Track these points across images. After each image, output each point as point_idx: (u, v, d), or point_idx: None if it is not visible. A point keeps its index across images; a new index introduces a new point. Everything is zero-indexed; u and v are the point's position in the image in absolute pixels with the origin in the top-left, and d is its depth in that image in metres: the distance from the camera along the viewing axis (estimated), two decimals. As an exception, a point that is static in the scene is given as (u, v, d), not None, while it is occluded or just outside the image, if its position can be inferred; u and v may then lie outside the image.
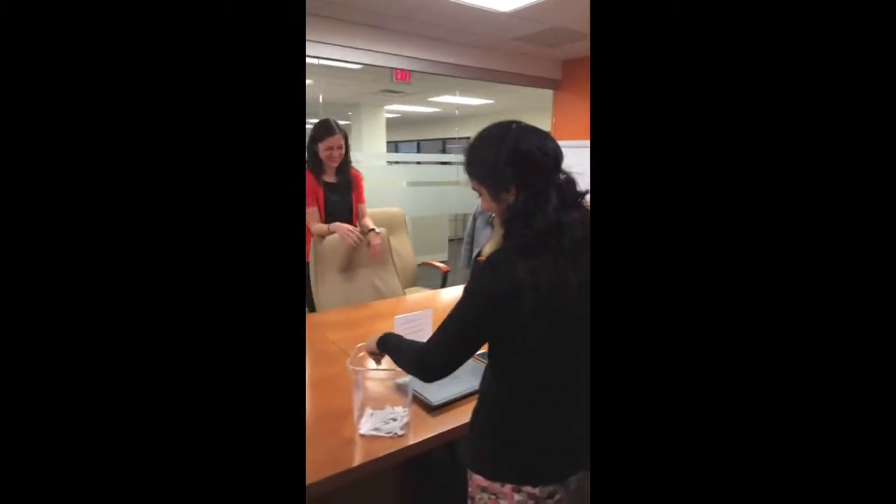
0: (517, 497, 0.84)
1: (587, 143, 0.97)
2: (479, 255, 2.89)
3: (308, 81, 4.79)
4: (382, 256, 2.26)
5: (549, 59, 4.30)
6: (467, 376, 1.29)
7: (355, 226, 2.19)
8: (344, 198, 2.23)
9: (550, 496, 0.84)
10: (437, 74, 3.82)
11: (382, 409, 1.16)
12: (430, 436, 1.09)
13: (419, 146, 10.34)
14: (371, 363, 1.13)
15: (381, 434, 1.07)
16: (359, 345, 1.14)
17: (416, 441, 1.07)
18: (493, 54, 3.94)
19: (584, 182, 0.80)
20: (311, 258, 2.06)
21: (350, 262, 2.18)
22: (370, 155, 6.12)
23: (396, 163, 5.03)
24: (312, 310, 2.08)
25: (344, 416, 1.15)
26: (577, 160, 0.88)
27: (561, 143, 0.86)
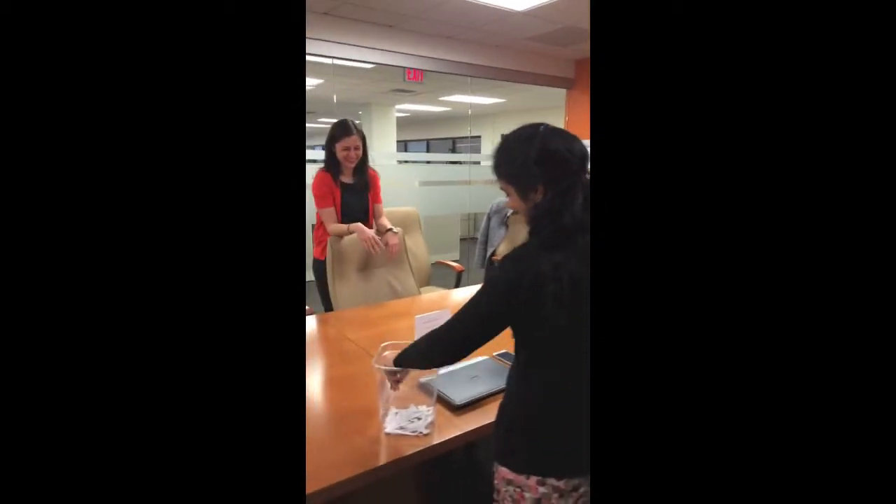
0: (542, 489, 0.85)
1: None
2: (493, 254, 2.89)
3: (320, 81, 4.81)
4: (398, 256, 2.27)
5: (562, 59, 4.29)
6: (490, 377, 1.30)
7: (371, 226, 2.19)
8: (361, 198, 2.22)
9: (575, 489, 0.85)
10: (450, 74, 3.83)
11: (407, 408, 1.16)
12: (453, 435, 1.09)
13: (429, 145, 10.35)
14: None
15: (407, 433, 1.08)
16: (383, 343, 1.14)
17: (440, 440, 1.07)
18: (506, 53, 3.94)
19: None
20: (328, 257, 2.07)
21: (367, 262, 2.19)
22: (381, 154, 6.14)
23: (407, 162, 5.03)
24: (330, 308, 2.09)
25: (367, 415, 1.16)
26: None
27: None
